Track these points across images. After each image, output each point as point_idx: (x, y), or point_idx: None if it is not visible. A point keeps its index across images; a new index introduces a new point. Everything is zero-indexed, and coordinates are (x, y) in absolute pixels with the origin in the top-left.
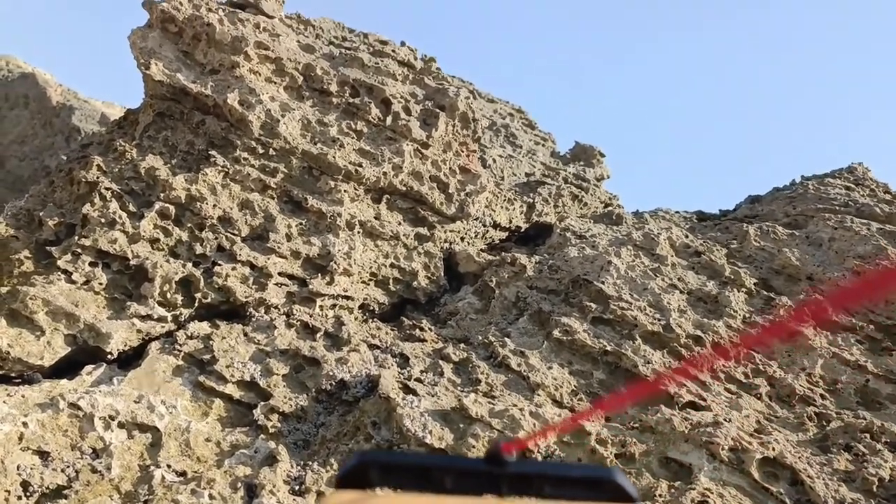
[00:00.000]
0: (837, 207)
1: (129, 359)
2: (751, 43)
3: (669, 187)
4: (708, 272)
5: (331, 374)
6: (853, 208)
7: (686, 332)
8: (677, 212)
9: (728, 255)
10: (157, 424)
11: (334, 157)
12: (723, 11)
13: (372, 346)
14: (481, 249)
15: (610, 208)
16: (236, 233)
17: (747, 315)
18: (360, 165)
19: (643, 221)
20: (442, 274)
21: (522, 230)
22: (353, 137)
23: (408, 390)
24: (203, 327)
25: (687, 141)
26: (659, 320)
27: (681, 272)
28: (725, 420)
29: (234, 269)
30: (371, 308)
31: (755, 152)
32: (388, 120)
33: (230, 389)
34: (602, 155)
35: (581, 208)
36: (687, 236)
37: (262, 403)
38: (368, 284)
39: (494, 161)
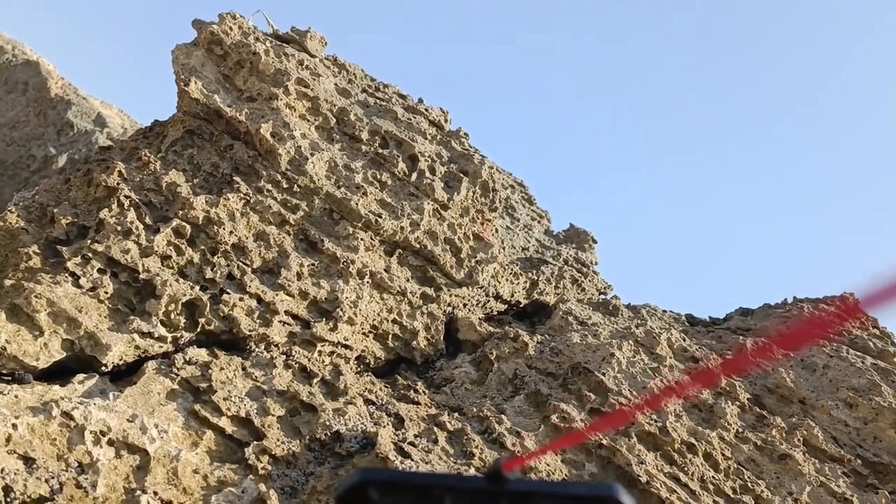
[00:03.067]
0: (832, 335)
1: (121, 374)
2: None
3: (646, 280)
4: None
5: (327, 423)
6: (847, 338)
7: (681, 437)
8: (666, 311)
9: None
10: (148, 447)
11: (356, 203)
12: (726, 137)
13: (368, 402)
14: (481, 318)
15: (605, 297)
16: (248, 263)
17: (740, 430)
18: (380, 216)
19: (640, 317)
20: (441, 338)
21: (521, 306)
22: (376, 187)
23: (403, 453)
24: (202, 354)
25: (670, 240)
26: (655, 422)
27: (678, 375)
28: None
29: (241, 299)
30: (367, 361)
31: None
32: (413, 176)
33: (224, 423)
34: (595, 241)
35: (579, 293)
36: (684, 339)
37: (255, 443)
38: (368, 337)
39: (497, 231)
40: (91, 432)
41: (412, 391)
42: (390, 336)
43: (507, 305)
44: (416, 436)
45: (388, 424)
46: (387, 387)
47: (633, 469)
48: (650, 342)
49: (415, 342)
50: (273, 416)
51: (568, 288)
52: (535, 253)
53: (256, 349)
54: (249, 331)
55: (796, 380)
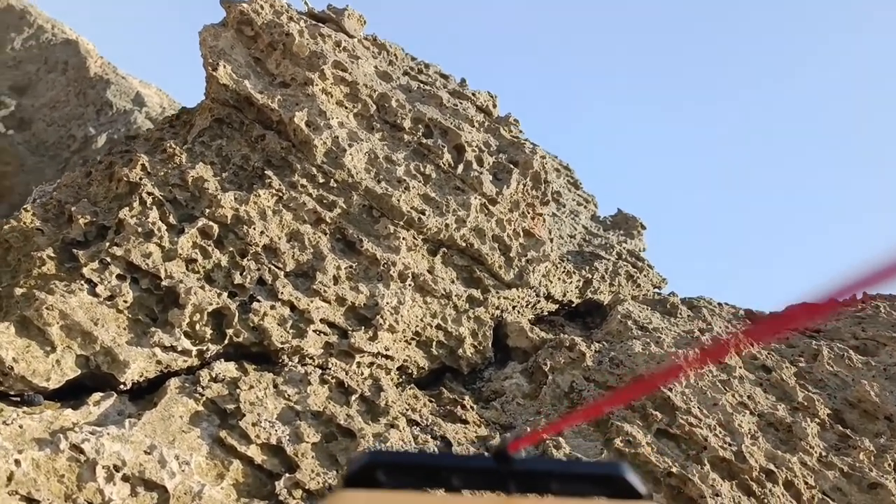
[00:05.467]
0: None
1: (142, 391)
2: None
3: (686, 266)
4: (778, 392)
5: (365, 450)
6: None
7: (759, 464)
8: (722, 304)
9: (797, 376)
10: (167, 483)
11: (398, 199)
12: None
13: (411, 422)
14: (531, 321)
15: (662, 294)
16: (281, 266)
17: (823, 453)
18: (423, 213)
19: (700, 316)
20: (489, 345)
21: (573, 305)
22: (419, 181)
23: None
24: (230, 369)
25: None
26: (730, 445)
27: (749, 388)
28: None
29: (273, 307)
30: (409, 371)
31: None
32: (459, 168)
33: (252, 452)
34: (643, 227)
35: (634, 289)
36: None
37: (287, 476)
38: (410, 345)
39: (547, 225)
40: (104, 467)
41: (459, 406)
42: (434, 343)
43: (558, 305)
44: None
45: (434, 450)
46: (431, 401)
47: (708, 502)
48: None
49: (461, 350)
50: (307, 442)
51: (623, 285)
52: (581, 241)
53: (290, 363)
54: (282, 343)
55: (881, 393)
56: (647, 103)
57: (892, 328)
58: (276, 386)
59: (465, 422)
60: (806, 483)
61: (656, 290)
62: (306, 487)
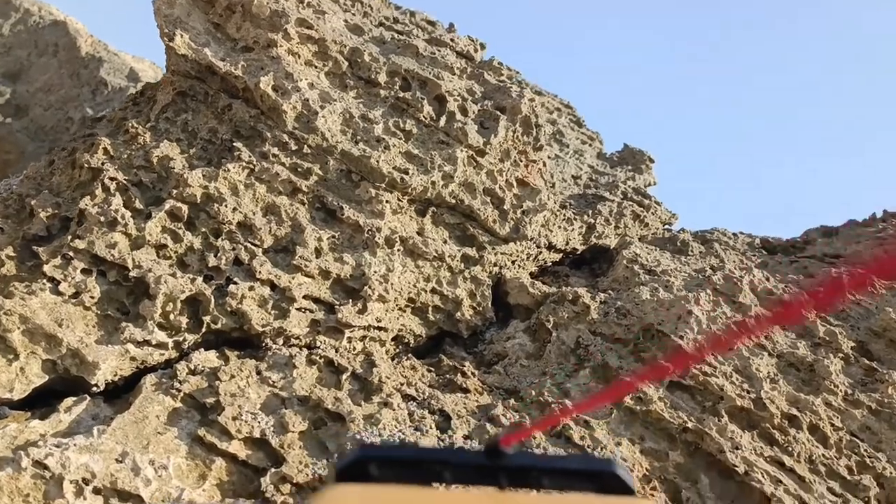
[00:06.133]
0: None
1: (119, 390)
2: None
3: (700, 194)
4: (797, 329)
5: (357, 436)
6: None
7: (781, 409)
8: (737, 234)
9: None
10: (142, 492)
11: (378, 160)
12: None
13: (407, 398)
14: (532, 273)
15: (672, 231)
16: (258, 243)
17: (849, 391)
18: (407, 172)
19: (713, 252)
20: (489, 304)
21: (578, 252)
22: (400, 138)
23: None
24: (210, 358)
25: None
26: (748, 392)
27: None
28: None
29: (251, 288)
30: (406, 340)
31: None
32: (442, 120)
33: (235, 447)
34: (651, 160)
35: (642, 229)
36: (768, 279)
37: (273, 470)
38: (405, 312)
39: (544, 164)
40: (72, 482)
41: (459, 374)
42: (430, 309)
43: (562, 254)
44: (465, 437)
45: (431, 427)
46: (430, 370)
47: (728, 457)
48: (731, 289)
49: (459, 313)
50: (294, 432)
51: (629, 226)
52: (588, 181)
53: (273, 346)
54: (263, 325)
55: None
56: (658, 31)
57: None
58: (259, 373)
59: (465, 391)
60: (832, 425)
61: (666, 226)
62: (294, 481)
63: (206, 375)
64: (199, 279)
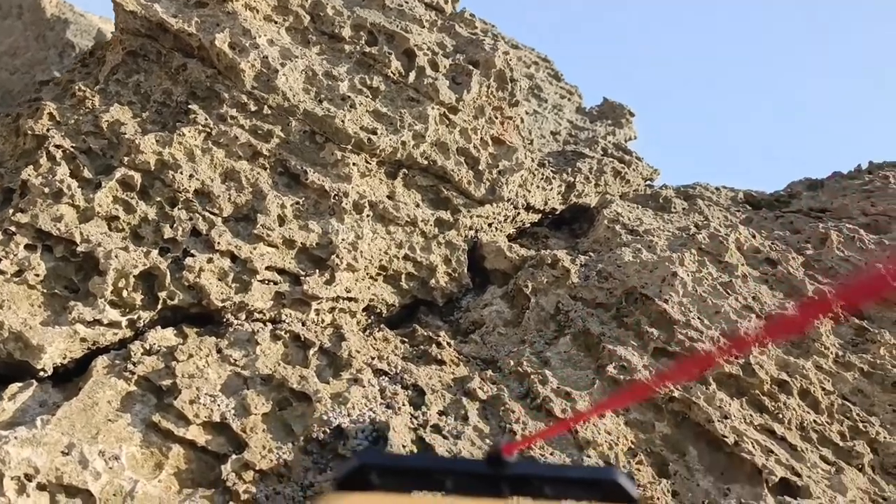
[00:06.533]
0: None
1: (70, 373)
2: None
3: (682, 147)
4: (785, 288)
5: (324, 417)
6: None
7: (770, 375)
8: (719, 188)
9: (805, 266)
10: (91, 486)
11: (343, 120)
12: None
13: (378, 372)
14: (510, 236)
15: (654, 187)
16: (216, 212)
17: (840, 353)
18: (375, 132)
19: (696, 208)
20: (465, 270)
21: (557, 212)
22: (367, 96)
23: (424, 445)
24: (166, 337)
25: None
26: (736, 357)
27: (754, 287)
28: None
29: (210, 260)
30: (378, 310)
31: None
32: (411, 76)
33: (193, 433)
34: (632, 114)
35: (623, 186)
36: (754, 236)
37: (234, 457)
38: (376, 281)
39: (521, 120)
40: (13, 478)
41: (434, 345)
42: (403, 276)
43: (540, 214)
44: (440, 414)
45: (404, 404)
46: (404, 342)
47: (716, 427)
48: (717, 248)
49: (433, 280)
50: (256, 414)
51: (610, 183)
52: (567, 137)
53: (235, 321)
54: (223, 300)
55: None
56: None
57: None
58: (219, 351)
59: (440, 362)
60: (823, 389)
61: (647, 182)
62: (257, 468)
63: (162, 355)
64: (154, 252)
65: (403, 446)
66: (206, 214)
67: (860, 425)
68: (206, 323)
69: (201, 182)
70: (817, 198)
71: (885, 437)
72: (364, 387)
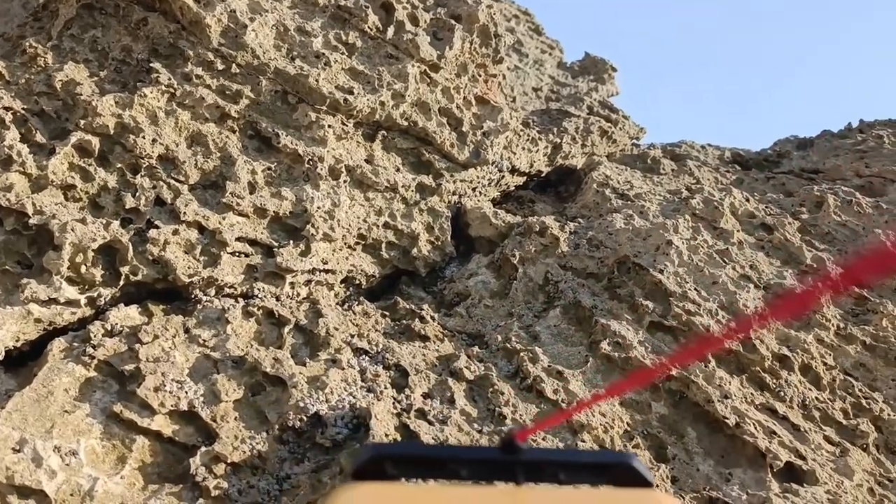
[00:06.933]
0: None
1: (25, 356)
2: None
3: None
4: (782, 255)
5: (301, 403)
6: None
7: (771, 350)
8: (705, 147)
9: (801, 231)
10: (46, 486)
11: (318, 79)
12: None
13: (358, 351)
14: (494, 200)
15: (641, 147)
16: (182, 179)
17: (841, 325)
18: (351, 92)
19: (686, 169)
20: (448, 238)
21: (543, 175)
22: (343, 53)
23: (408, 432)
24: (130, 315)
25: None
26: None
27: (750, 255)
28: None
29: (175, 232)
30: (357, 282)
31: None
32: (390, 32)
33: (159, 423)
34: (614, 69)
35: (609, 146)
36: (748, 199)
37: (204, 449)
38: (354, 251)
39: (504, 77)
40: None
41: (417, 319)
42: (383, 245)
43: (526, 177)
44: (424, 396)
45: (386, 387)
46: (385, 316)
47: (717, 407)
48: (711, 213)
49: (415, 249)
50: (227, 401)
51: (597, 143)
52: (549, 93)
53: (204, 298)
54: (190, 275)
55: None
56: None
57: None
58: (187, 330)
59: (424, 338)
60: (825, 364)
61: (634, 141)
62: (229, 460)
63: (124, 337)
64: (115, 224)
65: (387, 435)
66: (171, 182)
67: (863, 402)
68: (174, 299)
69: (165, 147)
70: (808, 158)
71: (888, 414)
72: (343, 369)
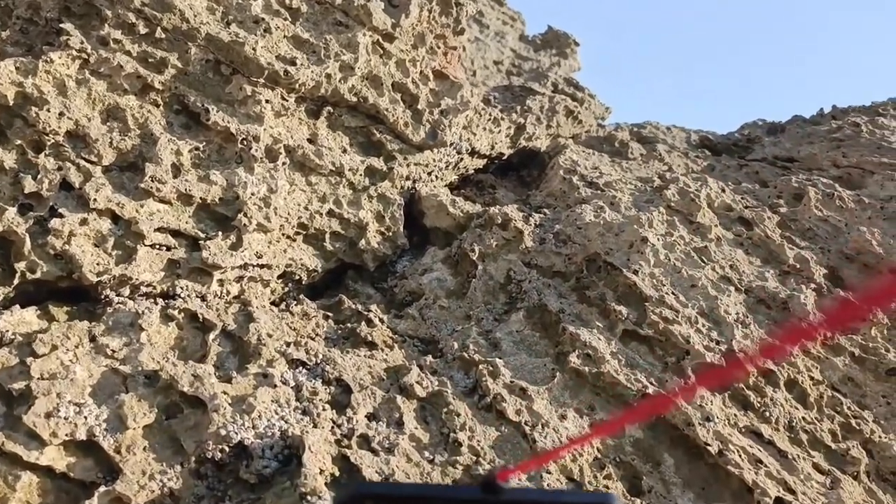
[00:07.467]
0: None
1: None
2: None
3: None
4: (763, 253)
5: (223, 430)
6: None
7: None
8: (670, 128)
9: (781, 226)
10: None
11: (255, 47)
12: None
13: (294, 363)
14: (452, 184)
15: (607, 128)
16: (94, 160)
17: (828, 334)
18: (293, 63)
19: (655, 154)
20: (401, 228)
21: (504, 157)
22: (285, 18)
23: (348, 464)
24: (26, 320)
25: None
26: (718, 343)
27: (729, 253)
28: None
29: (83, 221)
30: (296, 277)
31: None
32: None
33: (50, 456)
34: (577, 44)
35: (575, 126)
36: (723, 190)
37: (104, 489)
38: (294, 242)
39: (464, 49)
40: None
41: (364, 322)
42: (327, 236)
43: (486, 160)
44: (369, 418)
45: (324, 408)
46: (327, 317)
47: (698, 432)
48: (687, 206)
49: (363, 240)
50: (135, 428)
51: (562, 124)
52: (511, 67)
53: (116, 299)
54: (99, 272)
55: (883, 241)
56: None
57: (879, 151)
58: (93, 339)
59: (371, 345)
60: (811, 378)
61: (599, 121)
62: (133, 502)
63: (16, 347)
64: (11, 211)
65: (321, 471)
66: (81, 163)
67: (852, 422)
68: (80, 300)
69: (75, 122)
70: (781, 144)
71: (879, 437)
72: (275, 386)
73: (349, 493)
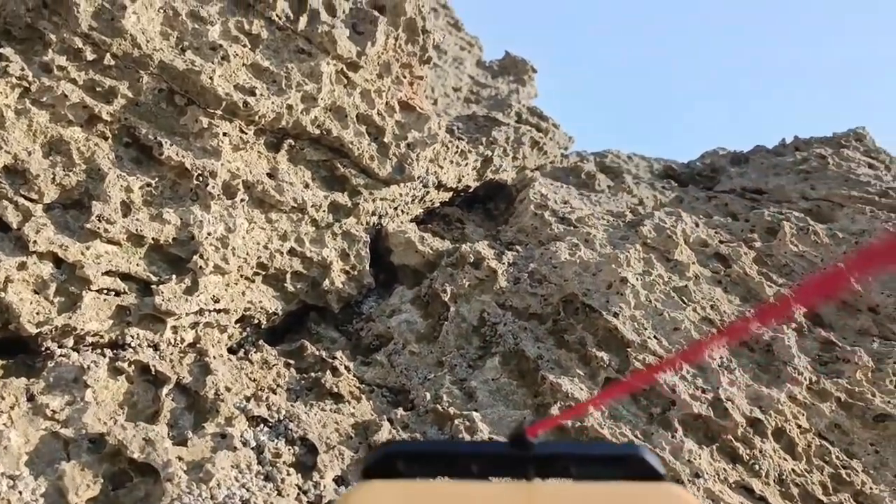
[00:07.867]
0: (876, 198)
1: None
2: None
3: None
4: (741, 291)
5: (179, 501)
6: (894, 199)
7: (743, 413)
8: (632, 157)
9: (757, 261)
10: None
11: (212, 76)
12: None
13: (254, 420)
14: (418, 218)
15: (570, 159)
16: (35, 197)
17: (814, 379)
18: (253, 93)
19: (622, 186)
20: (367, 266)
21: (471, 190)
22: (244, 45)
23: None
24: None
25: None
26: (704, 392)
27: (709, 291)
28: None
29: (22, 266)
30: (255, 321)
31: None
32: (302, 22)
33: None
34: (534, 70)
35: (540, 157)
36: (697, 224)
37: None
38: (253, 283)
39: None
40: None
41: (328, 371)
42: (288, 276)
43: (452, 192)
44: (338, 482)
45: (288, 472)
46: (289, 365)
47: (687, 491)
48: (664, 242)
49: (327, 280)
50: (77, 503)
51: (528, 156)
52: (469, 94)
53: (59, 352)
54: (39, 322)
55: (861, 277)
56: None
57: (847, 184)
58: (31, 398)
59: (337, 397)
60: (799, 427)
61: (563, 151)
62: None
63: None
64: None
65: None
66: (20, 201)
67: (842, 473)
68: (17, 352)
69: (13, 156)
70: (747, 175)
71: (870, 488)
72: (235, 449)
73: (379, 455)
